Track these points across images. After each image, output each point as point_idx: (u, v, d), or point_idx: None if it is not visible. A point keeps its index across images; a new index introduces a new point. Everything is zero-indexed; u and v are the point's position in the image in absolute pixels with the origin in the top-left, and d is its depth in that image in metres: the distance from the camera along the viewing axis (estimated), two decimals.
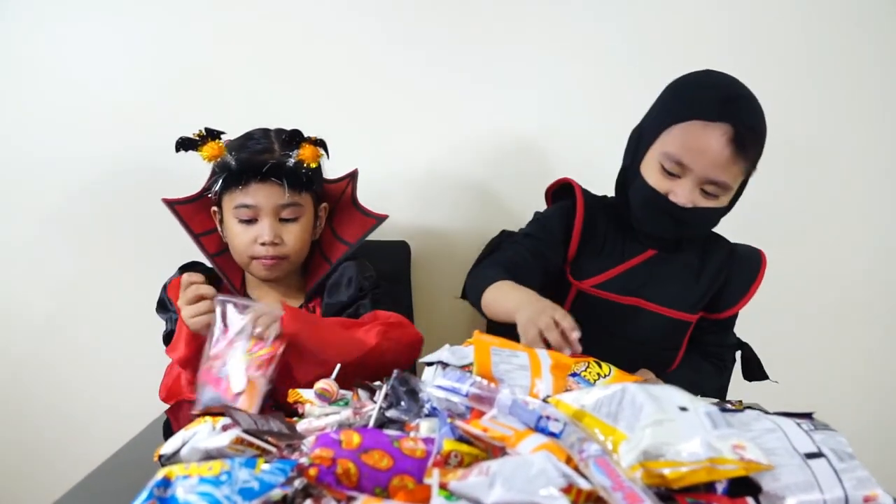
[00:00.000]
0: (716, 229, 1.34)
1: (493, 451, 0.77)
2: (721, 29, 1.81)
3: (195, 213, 1.36)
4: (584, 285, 1.29)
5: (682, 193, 1.18)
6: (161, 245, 1.68)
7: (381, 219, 1.40)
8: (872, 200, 1.89)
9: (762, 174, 1.27)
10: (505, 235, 1.44)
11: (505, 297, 1.14)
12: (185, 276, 1.19)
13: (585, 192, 1.34)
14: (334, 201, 1.44)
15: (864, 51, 1.86)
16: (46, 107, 1.75)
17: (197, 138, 1.33)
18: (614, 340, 1.24)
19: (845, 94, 1.84)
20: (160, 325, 1.37)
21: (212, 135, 1.33)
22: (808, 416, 0.86)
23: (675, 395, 0.80)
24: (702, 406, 0.79)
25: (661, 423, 0.74)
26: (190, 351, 1.19)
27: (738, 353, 1.44)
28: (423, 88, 1.79)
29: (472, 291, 1.24)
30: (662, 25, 1.82)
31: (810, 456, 0.75)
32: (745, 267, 1.31)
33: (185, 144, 1.33)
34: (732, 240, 1.40)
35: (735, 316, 1.37)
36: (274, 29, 1.76)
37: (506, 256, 1.30)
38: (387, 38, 1.78)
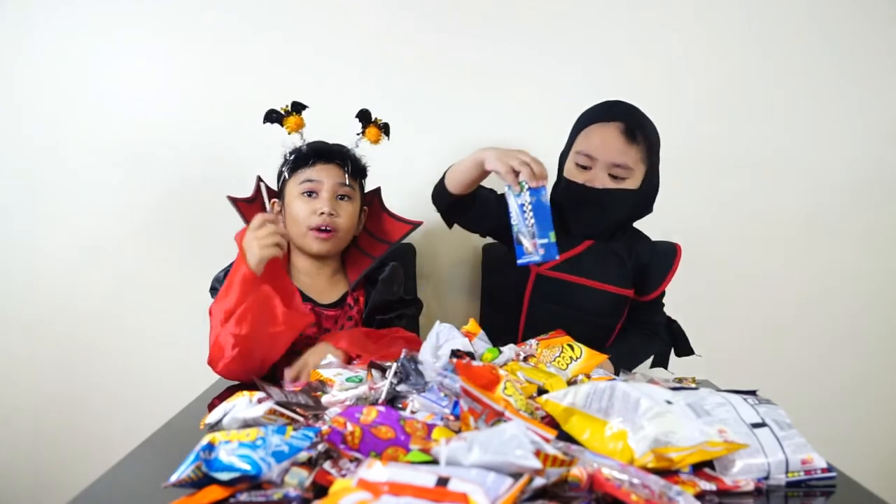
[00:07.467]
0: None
1: (489, 416, 0.87)
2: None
3: (250, 209, 1.52)
4: (540, 270, 1.53)
5: (596, 178, 1.47)
6: (206, 241, 1.89)
7: (416, 224, 1.58)
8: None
9: None
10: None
11: (461, 162, 1.40)
12: (258, 216, 1.30)
13: None
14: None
15: (865, 53, 1.96)
16: (119, 124, 1.95)
17: (283, 112, 1.47)
18: (569, 312, 1.51)
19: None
20: (205, 313, 1.51)
21: (297, 108, 1.48)
22: (752, 392, 0.96)
23: (657, 391, 0.90)
24: (680, 398, 0.89)
25: (660, 415, 0.84)
26: (243, 296, 1.26)
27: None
28: (427, 108, 1.94)
29: (437, 191, 1.48)
30: (657, 32, 1.95)
31: (756, 426, 0.85)
32: (663, 258, 1.56)
33: (271, 117, 1.47)
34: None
35: (659, 297, 1.60)
36: (295, 49, 1.95)
37: None
38: (395, 53, 1.92)
